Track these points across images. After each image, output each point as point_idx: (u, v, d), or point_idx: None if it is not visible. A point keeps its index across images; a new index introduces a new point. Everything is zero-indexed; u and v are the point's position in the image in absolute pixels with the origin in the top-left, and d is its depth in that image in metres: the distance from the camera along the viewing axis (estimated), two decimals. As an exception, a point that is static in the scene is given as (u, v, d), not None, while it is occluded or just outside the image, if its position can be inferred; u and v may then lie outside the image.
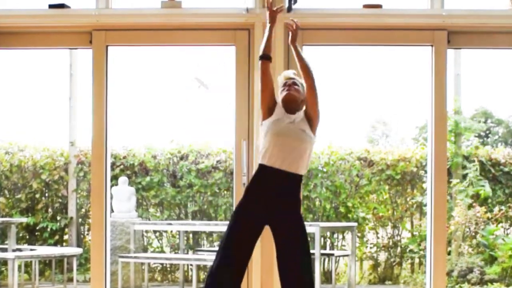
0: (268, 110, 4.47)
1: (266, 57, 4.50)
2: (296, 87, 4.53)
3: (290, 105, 4.49)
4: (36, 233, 9.92)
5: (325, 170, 9.71)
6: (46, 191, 10.03)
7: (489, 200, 9.50)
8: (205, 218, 9.80)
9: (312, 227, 7.99)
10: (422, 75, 6.18)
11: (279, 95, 4.54)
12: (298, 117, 4.49)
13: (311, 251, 8.42)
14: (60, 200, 9.99)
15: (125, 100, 10.52)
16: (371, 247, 9.85)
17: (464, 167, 9.53)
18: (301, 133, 4.42)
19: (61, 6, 5.91)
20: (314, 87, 4.51)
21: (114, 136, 7.98)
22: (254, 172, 4.46)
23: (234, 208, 4.43)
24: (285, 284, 4.32)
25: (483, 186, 9.35)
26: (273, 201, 4.34)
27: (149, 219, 9.85)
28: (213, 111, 11.06)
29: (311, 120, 4.52)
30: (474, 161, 9.54)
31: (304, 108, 4.57)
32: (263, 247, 5.50)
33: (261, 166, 4.38)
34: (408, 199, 9.82)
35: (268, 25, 4.54)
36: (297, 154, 4.37)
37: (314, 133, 4.53)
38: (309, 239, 4.44)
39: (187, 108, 11.73)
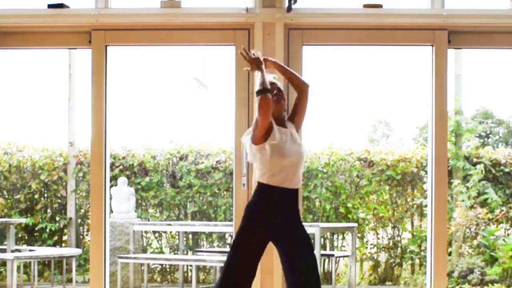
0: (266, 134, 4.25)
1: (267, 90, 4.18)
2: (281, 94, 4.39)
3: (280, 115, 4.38)
4: (35, 234, 9.90)
5: (325, 170, 9.69)
6: (45, 191, 10.01)
7: (490, 201, 9.48)
8: (204, 219, 9.78)
9: (312, 228, 7.98)
10: (422, 75, 6.16)
11: None
12: (292, 128, 4.40)
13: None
14: (59, 201, 9.97)
15: (125, 100, 10.52)
16: (371, 248, 9.84)
17: (464, 168, 9.51)
18: (301, 147, 4.35)
19: (60, 6, 5.89)
20: (307, 97, 4.43)
21: (113, 137, 7.97)
22: (255, 191, 4.35)
23: (239, 231, 4.33)
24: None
25: (487, 192, 9.36)
26: (282, 219, 4.31)
27: (149, 220, 9.84)
28: (213, 111, 11.05)
29: (298, 127, 4.47)
30: (479, 163, 9.52)
31: (291, 115, 4.48)
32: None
33: (264, 186, 4.29)
34: (408, 199, 9.81)
35: (259, 73, 4.27)
36: (300, 170, 4.34)
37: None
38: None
39: (187, 108, 11.72)
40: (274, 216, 4.30)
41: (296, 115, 4.49)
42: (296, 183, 4.33)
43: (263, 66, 4.29)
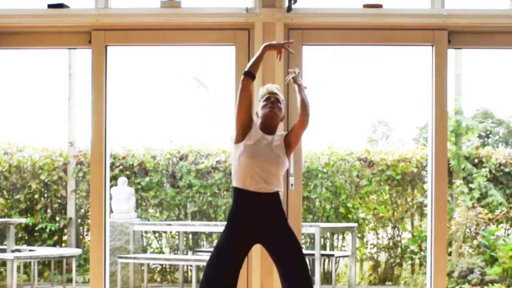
0: (242, 129, 4.30)
1: (250, 75, 4.26)
2: (279, 104, 4.42)
3: (271, 123, 4.40)
4: (35, 234, 9.90)
5: (325, 170, 9.69)
6: (45, 191, 10.01)
7: (495, 203, 9.49)
8: (204, 219, 9.78)
9: (312, 228, 7.98)
10: (422, 75, 6.15)
11: (260, 109, 4.43)
12: (276, 141, 4.38)
13: (311, 252, 8.43)
14: (59, 201, 9.97)
15: (125, 100, 10.51)
16: (371, 248, 9.84)
17: (464, 168, 9.51)
18: (276, 157, 4.33)
19: (60, 6, 5.89)
20: (307, 123, 4.42)
21: (113, 136, 7.96)
22: (233, 195, 4.41)
23: (219, 239, 4.36)
24: None
25: (491, 194, 9.37)
26: (259, 223, 4.31)
27: (149, 220, 9.84)
28: (213, 111, 11.05)
29: (290, 147, 4.43)
30: (483, 166, 9.53)
31: (286, 133, 4.49)
32: (262, 248, 5.48)
33: (239, 191, 4.32)
34: (408, 199, 9.81)
35: (263, 48, 4.35)
36: (272, 177, 4.31)
37: (289, 158, 4.47)
38: (303, 247, 4.45)
39: (187, 108, 11.72)
40: (248, 221, 4.29)
41: (291, 136, 4.45)
42: (264, 187, 4.29)
43: (269, 50, 4.37)
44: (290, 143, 4.43)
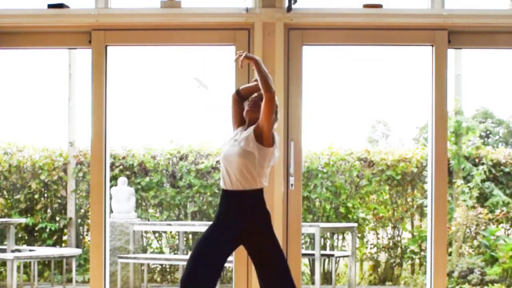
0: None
1: (238, 94, 4.54)
2: (260, 103, 4.39)
3: (249, 121, 4.46)
4: (35, 234, 9.90)
5: (325, 170, 9.69)
6: (45, 191, 10.01)
7: (490, 201, 9.49)
8: (204, 219, 9.78)
9: (312, 228, 7.98)
10: (422, 75, 6.15)
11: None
12: (245, 132, 4.38)
13: (312, 252, 8.44)
14: (59, 201, 9.97)
15: (125, 100, 10.50)
16: (371, 248, 9.84)
17: (465, 168, 9.51)
18: (238, 150, 4.31)
19: (60, 6, 5.89)
20: (269, 96, 4.25)
21: (113, 136, 7.97)
22: None
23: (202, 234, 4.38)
24: None
25: (494, 195, 9.38)
26: (236, 222, 4.30)
27: (149, 220, 9.84)
28: (213, 111, 11.04)
29: (262, 133, 4.32)
30: (481, 164, 9.53)
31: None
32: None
33: (222, 190, 4.43)
34: (408, 199, 9.81)
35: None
36: (236, 172, 4.30)
37: (265, 144, 4.32)
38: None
39: (187, 108, 11.71)
40: (229, 219, 4.31)
41: (259, 118, 4.36)
42: (233, 184, 4.31)
43: (252, 56, 4.37)
44: (259, 126, 4.33)
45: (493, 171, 9.66)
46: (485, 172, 9.44)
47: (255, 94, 4.48)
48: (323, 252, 8.90)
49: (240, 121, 4.51)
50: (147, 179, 9.77)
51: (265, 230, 4.35)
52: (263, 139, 4.32)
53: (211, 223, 4.43)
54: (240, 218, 4.30)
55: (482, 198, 9.55)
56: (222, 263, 4.27)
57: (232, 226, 4.30)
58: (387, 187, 9.80)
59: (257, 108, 4.38)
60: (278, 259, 4.33)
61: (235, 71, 5.84)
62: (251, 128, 4.38)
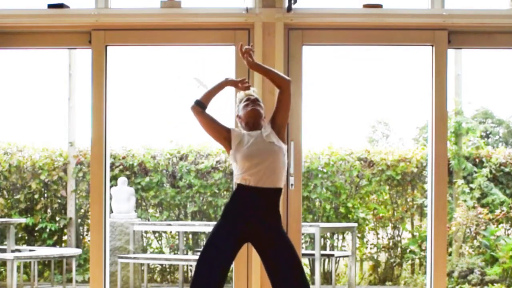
0: (226, 141, 4.44)
1: (201, 105, 4.50)
2: (259, 103, 4.52)
3: (255, 119, 4.47)
4: (35, 234, 9.90)
5: (325, 170, 9.69)
6: (45, 191, 10.01)
7: (487, 199, 9.49)
8: (204, 219, 9.78)
9: (312, 228, 7.98)
10: (422, 75, 6.15)
11: (242, 111, 4.52)
12: (265, 131, 4.42)
13: (312, 252, 8.43)
14: (59, 201, 9.97)
15: (125, 100, 10.51)
16: (371, 248, 9.84)
17: (465, 168, 9.51)
18: (271, 146, 4.36)
19: (60, 6, 5.89)
20: (290, 93, 4.43)
21: (113, 136, 7.97)
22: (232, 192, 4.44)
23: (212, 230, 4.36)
24: None
25: (493, 194, 9.37)
26: (252, 220, 4.30)
27: (149, 220, 9.84)
28: (212, 111, 11.04)
29: (281, 128, 4.44)
30: (484, 166, 9.53)
31: (273, 113, 4.50)
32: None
33: (238, 186, 4.35)
34: (408, 199, 9.81)
35: (222, 82, 4.51)
36: (272, 169, 4.31)
37: (284, 140, 4.45)
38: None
39: (187, 108, 11.71)
40: (246, 216, 4.30)
41: (277, 113, 4.47)
42: (266, 181, 4.30)
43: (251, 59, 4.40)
44: (279, 122, 4.44)
45: (493, 171, 9.66)
46: (487, 174, 9.45)
47: (249, 94, 4.54)
48: (323, 252, 8.90)
49: (220, 131, 4.48)
50: (147, 179, 9.77)
51: (281, 227, 4.40)
52: (283, 134, 4.46)
53: (219, 222, 4.36)
54: (269, 215, 4.31)
55: (482, 199, 9.55)
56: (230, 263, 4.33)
57: (253, 223, 4.29)
58: (387, 187, 9.80)
59: (260, 106, 4.50)
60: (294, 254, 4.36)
61: (235, 71, 5.84)
62: (268, 124, 4.45)
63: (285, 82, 4.43)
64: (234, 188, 4.45)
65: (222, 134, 4.48)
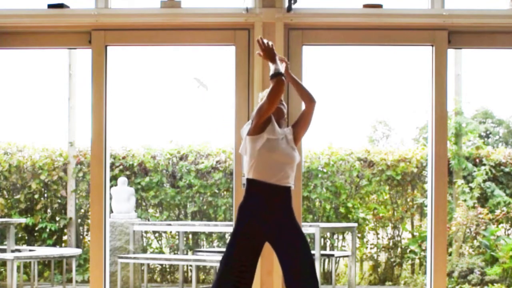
0: (267, 122, 4.38)
1: (283, 74, 4.33)
2: (282, 102, 4.60)
3: (281, 117, 4.55)
4: (35, 234, 9.90)
5: (325, 170, 9.69)
6: (45, 191, 10.01)
7: (491, 201, 9.49)
8: (204, 219, 9.78)
9: (312, 228, 7.97)
10: (422, 75, 6.16)
11: None
12: (289, 134, 4.54)
13: (312, 252, 8.43)
14: (59, 201, 9.97)
15: (125, 100, 10.51)
16: (371, 248, 9.84)
17: (465, 168, 9.51)
18: (293, 151, 4.48)
19: (60, 6, 5.89)
20: (313, 113, 4.63)
21: (113, 136, 7.97)
22: (245, 190, 4.41)
23: (232, 235, 4.39)
24: None
25: (495, 195, 9.39)
26: (274, 218, 4.35)
27: (149, 220, 9.84)
28: (213, 111, 11.05)
29: (297, 140, 4.59)
30: (483, 164, 9.54)
31: (294, 124, 4.64)
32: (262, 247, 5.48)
33: (257, 183, 4.35)
34: (408, 199, 9.80)
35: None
36: (291, 170, 4.44)
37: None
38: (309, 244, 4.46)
39: (187, 108, 11.72)
40: (265, 215, 4.33)
41: (298, 126, 4.62)
42: (284, 180, 4.38)
43: (277, 58, 4.38)
44: (298, 134, 4.59)
45: (493, 171, 9.66)
46: (486, 172, 9.45)
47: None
48: (323, 252, 8.90)
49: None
50: (147, 179, 9.77)
51: (297, 227, 4.49)
52: (297, 143, 4.60)
53: (245, 220, 4.37)
54: (287, 213, 4.41)
55: (482, 198, 9.55)
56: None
57: (277, 221, 4.35)
58: (387, 187, 9.80)
59: (284, 106, 4.61)
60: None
61: (235, 71, 5.84)
62: (290, 131, 4.55)
63: (314, 103, 4.63)
64: (246, 185, 4.42)
65: (270, 116, 4.42)
